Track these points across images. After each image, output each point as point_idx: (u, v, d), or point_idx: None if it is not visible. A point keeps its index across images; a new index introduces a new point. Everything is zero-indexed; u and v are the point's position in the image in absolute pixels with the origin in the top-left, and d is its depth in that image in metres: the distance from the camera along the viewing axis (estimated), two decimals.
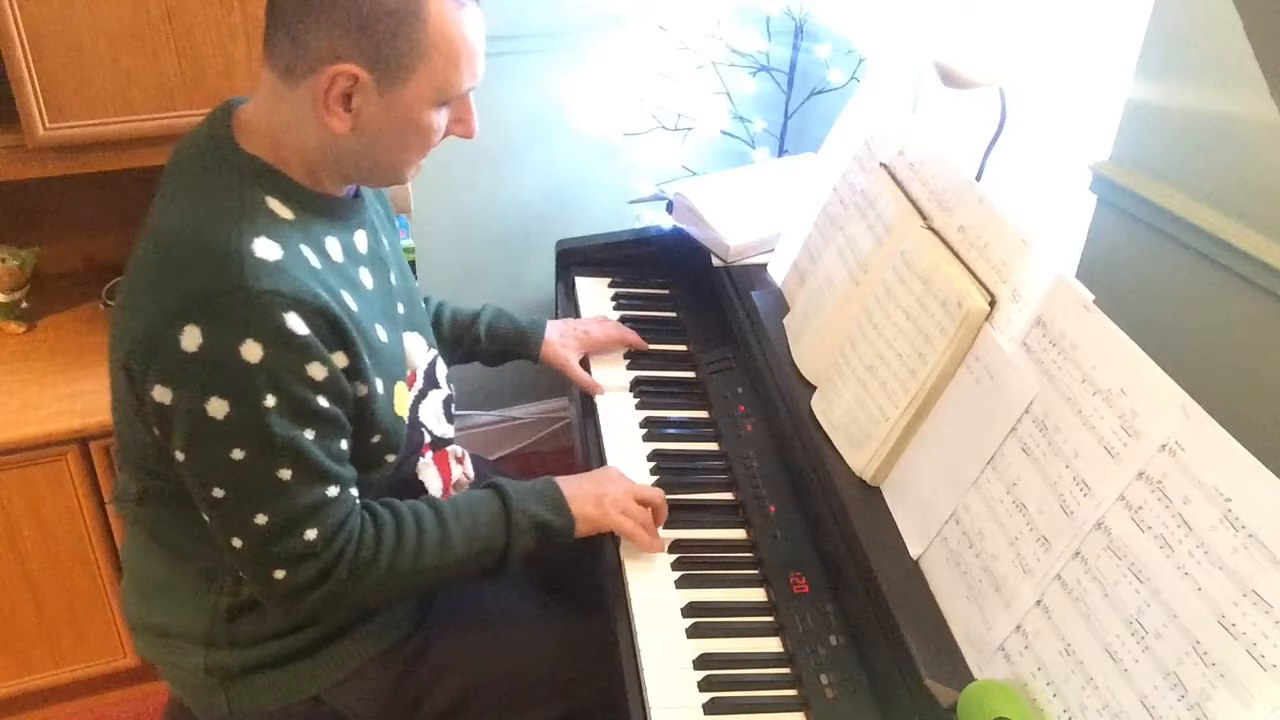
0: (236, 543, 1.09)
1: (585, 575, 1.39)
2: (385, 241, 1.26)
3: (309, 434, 1.06)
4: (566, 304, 1.78)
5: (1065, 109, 1.57)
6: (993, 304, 1.15)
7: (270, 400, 1.02)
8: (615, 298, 1.79)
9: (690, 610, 1.22)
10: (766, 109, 2.19)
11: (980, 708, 0.95)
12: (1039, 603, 0.98)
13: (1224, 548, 0.83)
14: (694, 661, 1.15)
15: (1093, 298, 1.03)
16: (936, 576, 1.13)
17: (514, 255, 2.39)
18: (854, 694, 1.12)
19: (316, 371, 1.04)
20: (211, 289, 1.00)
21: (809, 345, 1.46)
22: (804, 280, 1.55)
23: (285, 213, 1.08)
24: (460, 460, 1.39)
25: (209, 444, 1.03)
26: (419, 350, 1.28)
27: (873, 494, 1.25)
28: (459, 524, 1.19)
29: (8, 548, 1.74)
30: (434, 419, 1.31)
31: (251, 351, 0.99)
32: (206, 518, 1.10)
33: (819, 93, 2.07)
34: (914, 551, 1.17)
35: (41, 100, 1.55)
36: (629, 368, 1.63)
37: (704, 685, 1.13)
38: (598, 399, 1.56)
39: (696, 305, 1.76)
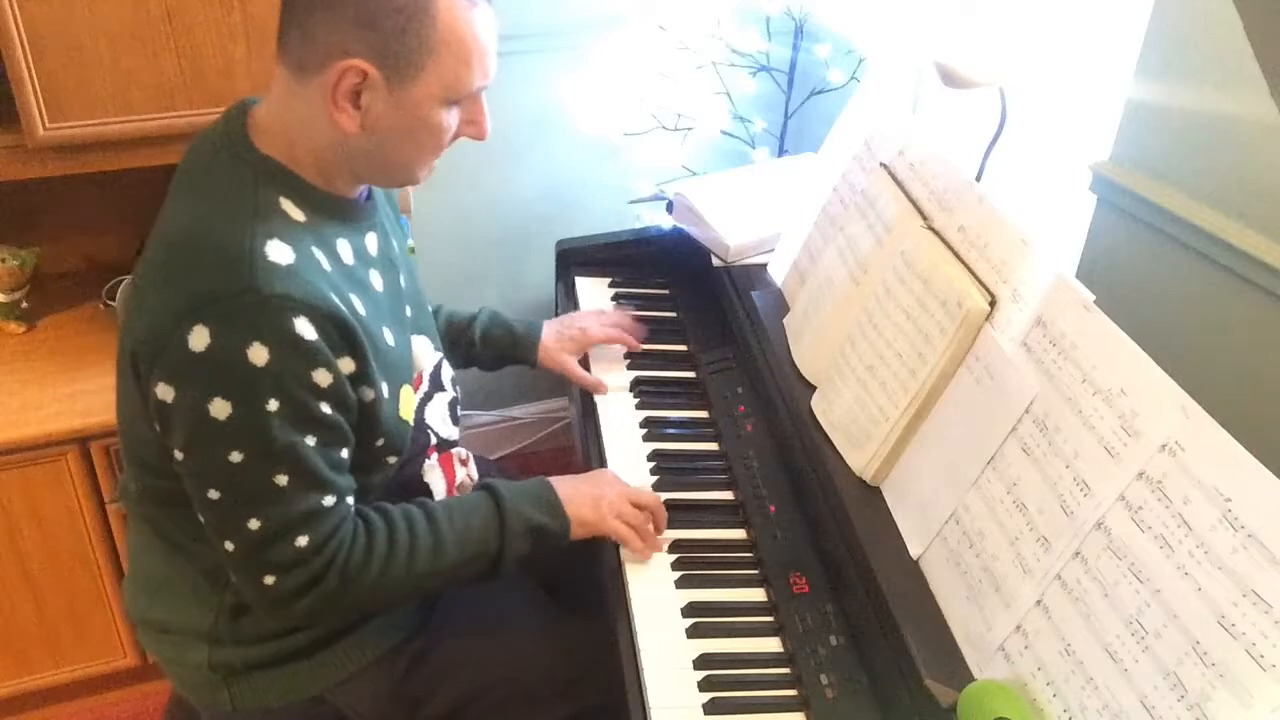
0: (229, 546, 1.08)
1: (586, 576, 1.39)
2: (395, 244, 1.26)
3: (309, 440, 1.05)
4: (566, 304, 1.78)
5: (1065, 109, 1.57)
6: (993, 304, 1.15)
7: (273, 404, 1.01)
8: (615, 298, 1.79)
9: (690, 610, 1.22)
10: (766, 109, 2.19)
11: (980, 708, 0.95)
12: (1039, 603, 0.98)
13: (1224, 548, 0.83)
14: (694, 661, 1.15)
15: (1093, 298, 1.03)
16: (936, 576, 1.13)
17: (514, 255, 2.39)
18: (854, 694, 1.12)
19: (322, 378, 1.04)
20: (222, 290, 1.00)
21: (809, 345, 1.46)
22: (804, 280, 1.55)
23: (298, 214, 1.08)
24: (465, 462, 1.39)
25: (209, 444, 1.03)
26: (426, 353, 1.28)
27: (873, 494, 1.25)
28: (452, 528, 1.19)
29: (8, 548, 1.74)
30: (439, 421, 1.31)
31: (258, 354, 0.99)
32: (201, 518, 1.10)
33: (819, 93, 2.07)
34: (914, 551, 1.17)
35: (41, 100, 1.55)
36: (629, 368, 1.63)
37: (704, 685, 1.13)
38: (598, 399, 1.56)
39: (696, 305, 1.76)
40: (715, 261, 1.74)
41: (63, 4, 1.50)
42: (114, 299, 1.86)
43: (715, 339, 1.67)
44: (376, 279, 1.17)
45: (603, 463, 1.43)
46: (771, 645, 1.19)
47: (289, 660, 1.23)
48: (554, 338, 1.57)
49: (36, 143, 1.58)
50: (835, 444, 1.32)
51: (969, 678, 1.03)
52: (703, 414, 1.55)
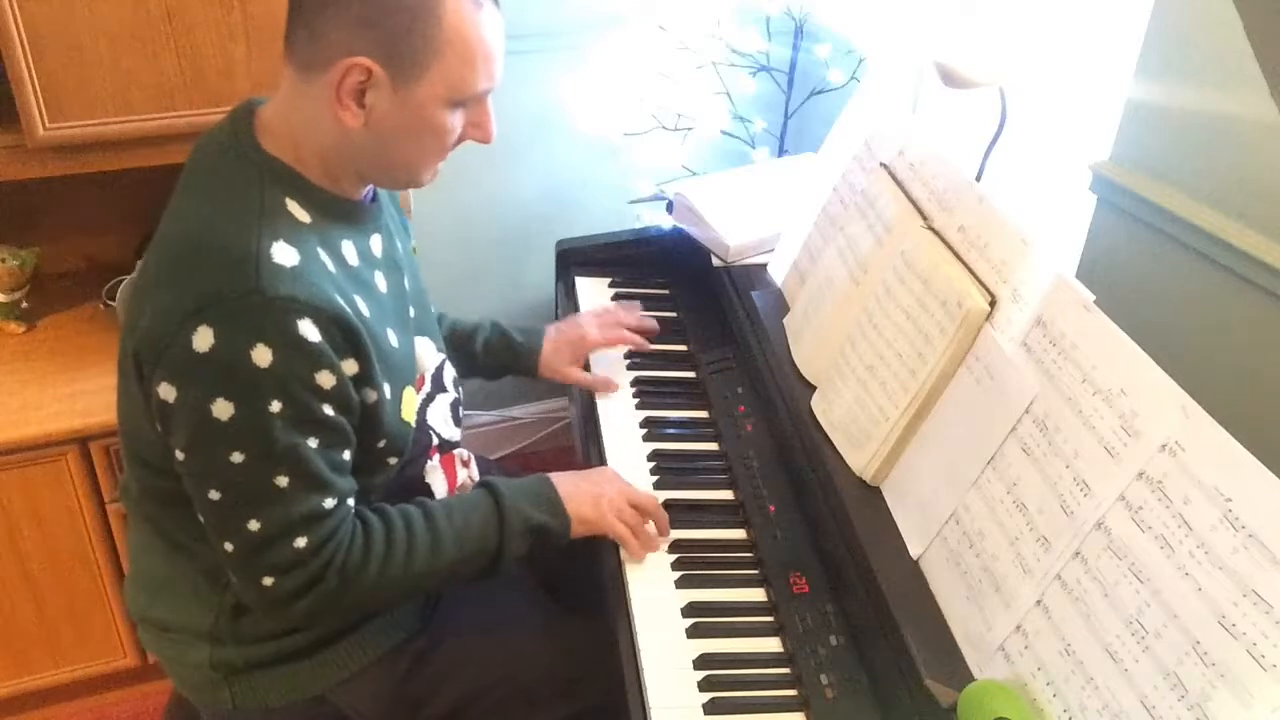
0: (228, 546, 1.08)
1: (586, 576, 1.39)
2: (399, 245, 1.26)
3: (311, 442, 1.05)
4: (566, 304, 1.78)
5: (1065, 109, 1.57)
6: (993, 304, 1.15)
7: (276, 406, 1.01)
8: (615, 298, 1.79)
9: (690, 610, 1.22)
10: (766, 109, 2.19)
11: (980, 708, 0.95)
12: (1039, 603, 0.98)
13: (1224, 548, 0.83)
14: (694, 661, 1.15)
15: (1093, 298, 1.03)
16: (936, 576, 1.13)
17: (514, 255, 2.39)
18: (854, 694, 1.12)
19: (325, 380, 1.04)
20: (227, 291, 1.00)
21: (809, 345, 1.46)
22: (804, 280, 1.55)
23: (303, 216, 1.08)
24: (466, 463, 1.39)
25: (210, 445, 1.03)
26: (428, 354, 1.28)
27: (873, 494, 1.25)
28: (451, 527, 1.19)
29: (8, 548, 1.74)
30: (442, 422, 1.31)
31: (262, 356, 0.99)
32: (202, 519, 1.10)
33: (819, 93, 2.07)
34: (914, 551, 1.17)
35: (41, 100, 1.55)
36: (629, 368, 1.62)
37: (704, 685, 1.13)
38: (598, 399, 1.56)
39: (696, 305, 1.76)
40: (715, 261, 1.74)
41: (63, 4, 1.50)
42: (114, 299, 1.86)
43: (715, 339, 1.67)
44: (380, 280, 1.17)
45: (603, 463, 1.43)
46: (771, 645, 1.19)
47: (290, 660, 1.23)
48: (552, 348, 1.56)
49: (36, 143, 1.58)
50: (835, 444, 1.32)
51: (969, 678, 1.03)
52: (703, 414, 1.55)
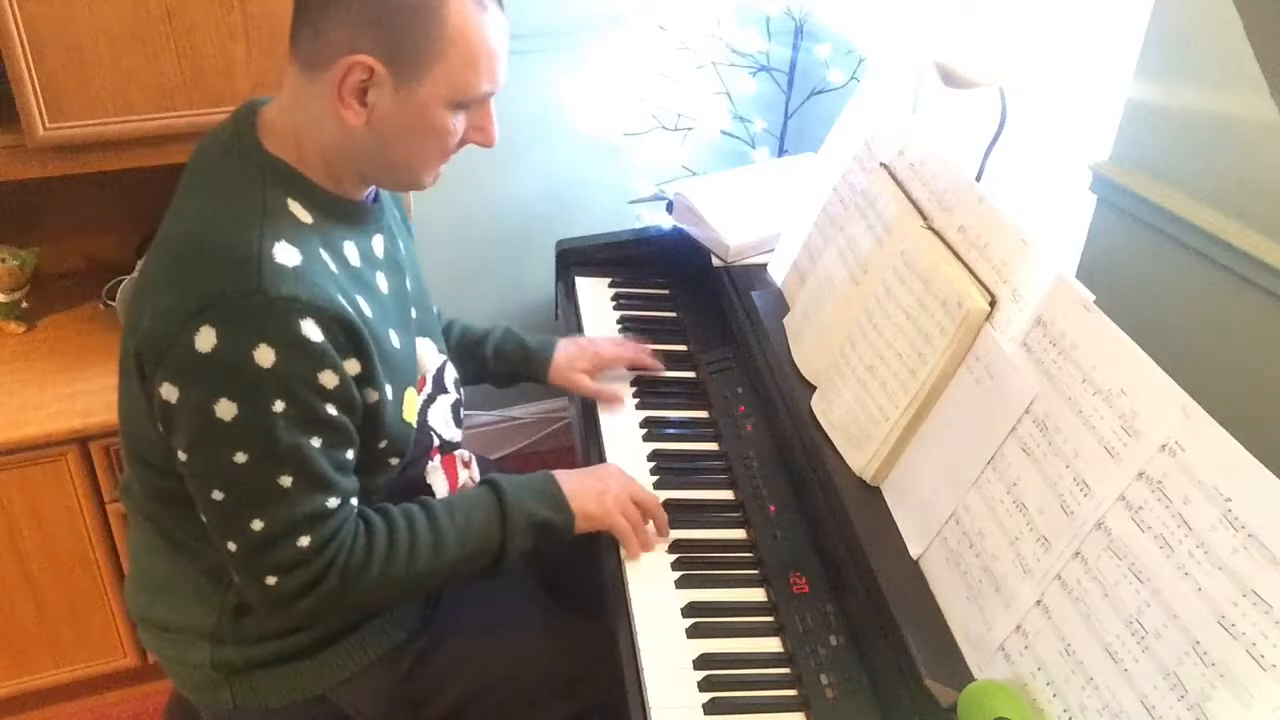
0: (231, 546, 1.08)
1: (586, 576, 1.39)
2: (401, 246, 1.26)
3: (315, 442, 1.06)
4: (566, 304, 1.79)
5: (1065, 109, 1.57)
6: (993, 304, 1.15)
7: (279, 406, 1.02)
8: (615, 298, 1.79)
9: (690, 610, 1.22)
10: (766, 109, 2.19)
11: (980, 708, 0.95)
12: (1039, 603, 0.98)
13: (1224, 548, 0.83)
14: (694, 661, 1.15)
15: (1093, 298, 1.03)
16: (936, 576, 1.13)
17: (514, 255, 2.39)
18: (854, 694, 1.12)
19: (328, 380, 1.04)
20: (229, 291, 1.00)
21: (809, 345, 1.46)
22: (804, 280, 1.55)
23: (305, 216, 1.08)
24: (467, 464, 1.39)
25: (213, 445, 1.03)
26: (430, 355, 1.28)
27: (873, 494, 1.25)
28: (453, 525, 1.19)
29: (8, 548, 1.74)
30: (443, 423, 1.31)
31: (265, 356, 0.99)
32: (204, 519, 1.10)
33: (819, 93, 2.07)
34: (914, 551, 1.17)
35: (41, 100, 1.55)
36: (629, 368, 1.62)
37: (704, 685, 1.13)
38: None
39: (696, 305, 1.76)
40: (715, 261, 1.74)
41: (63, 4, 1.50)
42: (114, 299, 1.86)
43: (715, 339, 1.67)
44: (382, 281, 1.17)
45: (603, 462, 1.43)
46: (771, 645, 1.19)
47: (291, 659, 1.23)
48: (566, 356, 1.54)
49: (36, 143, 1.58)
50: (835, 444, 1.32)
51: (969, 678, 1.03)
52: (703, 414, 1.55)
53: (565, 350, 1.55)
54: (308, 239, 1.06)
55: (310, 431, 1.05)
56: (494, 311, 2.25)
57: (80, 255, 2.04)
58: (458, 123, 1.09)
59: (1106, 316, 1.02)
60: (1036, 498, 1.02)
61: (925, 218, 1.31)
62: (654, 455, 1.46)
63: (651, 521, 1.30)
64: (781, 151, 2.20)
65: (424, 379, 1.26)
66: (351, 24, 1.01)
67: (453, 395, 1.34)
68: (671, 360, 1.64)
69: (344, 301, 1.05)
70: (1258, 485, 0.82)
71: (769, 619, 1.22)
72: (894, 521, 1.21)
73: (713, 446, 1.49)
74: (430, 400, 1.28)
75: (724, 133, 2.19)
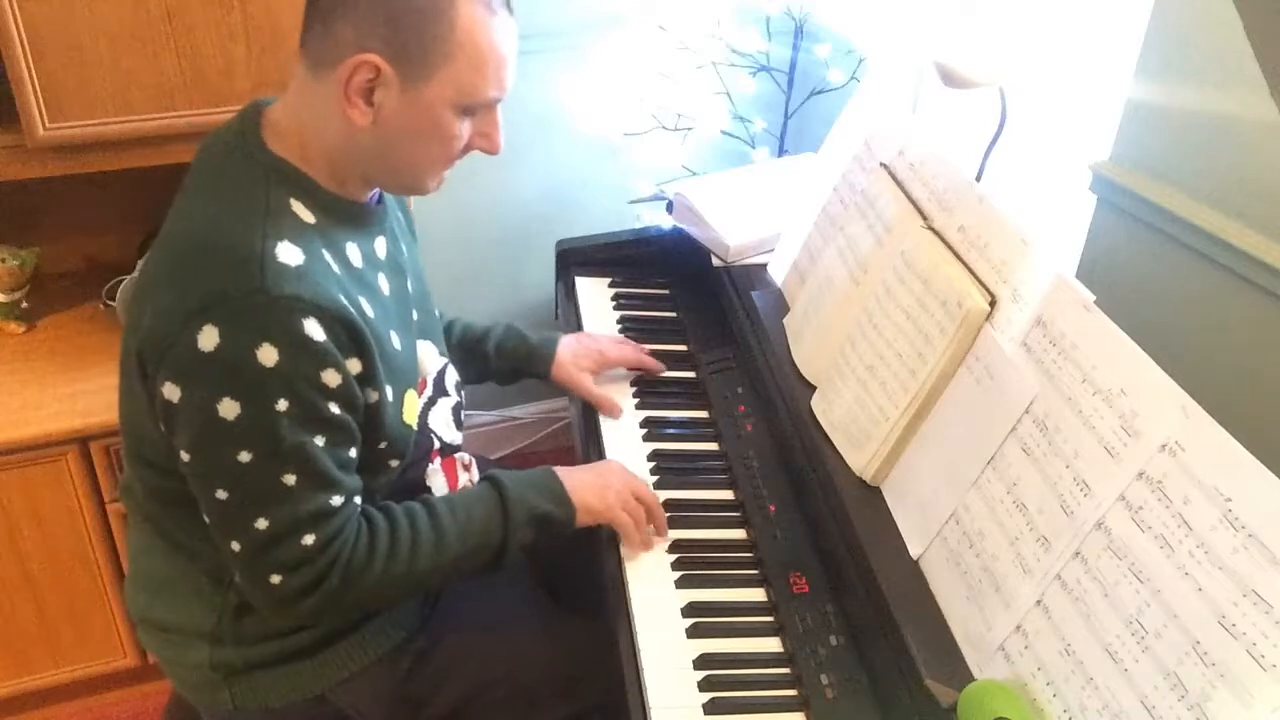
0: (235, 545, 1.08)
1: (586, 576, 1.39)
2: (404, 248, 1.26)
3: (318, 440, 1.06)
4: (566, 304, 1.78)
5: (1065, 109, 1.57)
6: (993, 304, 1.15)
7: (282, 404, 1.02)
8: (615, 298, 1.79)
9: (690, 610, 1.22)
10: (766, 109, 2.19)
11: (980, 708, 0.95)
12: (1039, 603, 0.98)
13: (1224, 548, 0.83)
14: (694, 661, 1.15)
15: (1093, 298, 1.03)
16: (936, 576, 1.13)
17: (514, 255, 2.39)
18: (854, 694, 1.12)
19: (331, 378, 1.04)
20: (231, 290, 1.00)
21: (809, 345, 1.46)
22: (804, 280, 1.55)
23: (308, 216, 1.08)
24: (468, 467, 1.39)
25: (217, 444, 1.03)
26: (431, 358, 1.28)
27: (873, 494, 1.25)
28: (455, 523, 1.19)
29: (8, 548, 1.74)
30: (443, 426, 1.31)
31: (268, 355, 0.99)
32: (207, 519, 1.10)
33: (819, 93, 2.07)
34: (914, 551, 1.17)
35: (41, 100, 1.55)
36: (630, 369, 1.62)
37: (704, 685, 1.13)
38: None
39: (696, 305, 1.76)
40: (715, 261, 1.74)
41: (63, 4, 1.50)
42: (114, 299, 1.86)
43: (715, 339, 1.67)
44: (384, 283, 1.17)
45: None
46: (771, 645, 1.19)
47: (291, 659, 1.23)
48: (570, 354, 1.54)
49: (36, 143, 1.58)
50: (835, 444, 1.32)
51: (969, 678, 1.03)
52: (703, 414, 1.55)
53: (569, 347, 1.55)
54: (310, 239, 1.06)
55: (314, 430, 1.05)
56: (494, 311, 2.25)
57: (80, 255, 2.04)
58: (463, 128, 1.09)
59: (1106, 316, 1.02)
60: (1036, 498, 1.02)
61: (925, 218, 1.31)
62: (654, 455, 1.46)
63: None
64: (781, 151, 2.20)
65: (425, 381, 1.26)
66: (360, 22, 1.01)
67: (453, 398, 1.34)
68: (671, 360, 1.64)
69: (346, 301, 1.05)
70: (1258, 485, 0.82)
71: (769, 619, 1.22)
72: (894, 521, 1.21)
73: (713, 446, 1.49)
74: (431, 403, 1.28)
75: (724, 133, 2.19)
